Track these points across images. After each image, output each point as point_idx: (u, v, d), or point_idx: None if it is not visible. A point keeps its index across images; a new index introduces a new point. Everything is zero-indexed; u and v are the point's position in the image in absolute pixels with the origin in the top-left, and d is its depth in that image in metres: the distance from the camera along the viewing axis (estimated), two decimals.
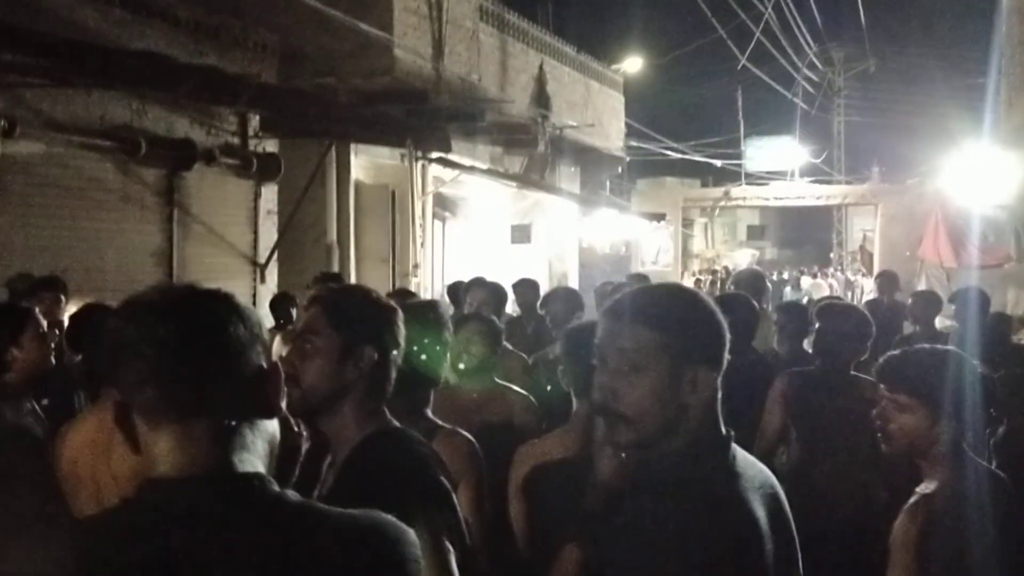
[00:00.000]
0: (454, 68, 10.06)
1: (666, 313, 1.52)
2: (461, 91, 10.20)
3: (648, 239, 19.19)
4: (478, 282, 4.92)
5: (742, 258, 33.10)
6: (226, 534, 1.03)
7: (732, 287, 6.05)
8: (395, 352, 1.81)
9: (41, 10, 6.05)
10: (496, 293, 4.61)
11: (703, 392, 1.48)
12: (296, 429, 1.41)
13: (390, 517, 1.13)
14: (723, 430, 1.53)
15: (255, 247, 8.34)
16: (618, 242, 18.46)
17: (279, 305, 6.18)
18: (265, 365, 1.12)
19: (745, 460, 1.54)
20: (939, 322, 8.94)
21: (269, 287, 8.20)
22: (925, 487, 2.08)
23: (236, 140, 8.07)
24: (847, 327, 3.44)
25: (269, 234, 8.50)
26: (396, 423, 1.82)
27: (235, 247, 8.08)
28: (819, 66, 25.64)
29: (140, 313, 1.09)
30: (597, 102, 15.74)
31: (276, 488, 1.09)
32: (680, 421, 1.48)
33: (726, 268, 23.43)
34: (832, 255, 29.43)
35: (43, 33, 5.74)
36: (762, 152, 23.54)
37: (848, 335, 3.43)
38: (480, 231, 13.56)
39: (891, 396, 2.16)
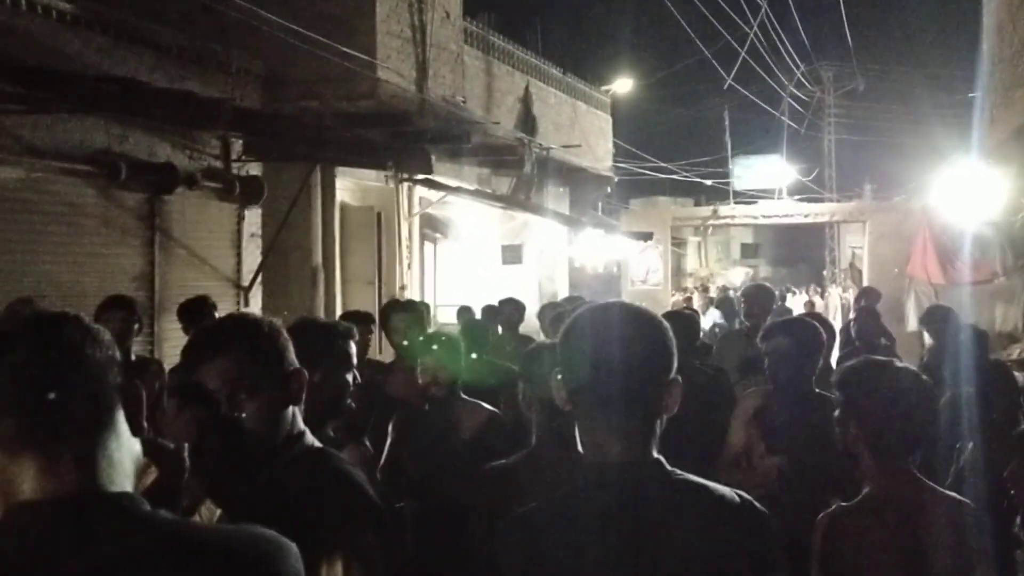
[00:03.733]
0: (438, 91, 10.13)
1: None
2: (446, 113, 10.26)
3: (638, 258, 19.22)
4: (398, 304, 5.06)
5: (736, 276, 33.16)
6: (94, 555, 1.03)
7: (741, 302, 6.10)
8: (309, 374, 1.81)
9: (22, 38, 6.11)
10: (416, 312, 4.79)
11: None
12: (173, 447, 1.41)
13: (270, 532, 1.13)
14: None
15: (239, 270, 8.35)
16: (610, 262, 18.48)
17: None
18: (123, 385, 1.12)
19: None
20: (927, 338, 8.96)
21: (253, 310, 8.20)
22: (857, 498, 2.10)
23: (219, 164, 8.10)
24: (788, 344, 3.41)
25: (253, 257, 8.51)
26: (317, 442, 1.82)
27: (218, 270, 8.09)
28: (807, 85, 25.81)
29: None
30: (584, 123, 15.83)
31: (147, 507, 1.08)
32: None
33: (699, 287, 23.44)
34: (825, 273, 29.51)
35: (22, 60, 5.78)
36: (750, 171, 23.65)
37: (788, 352, 3.38)
38: (471, 252, 13.59)
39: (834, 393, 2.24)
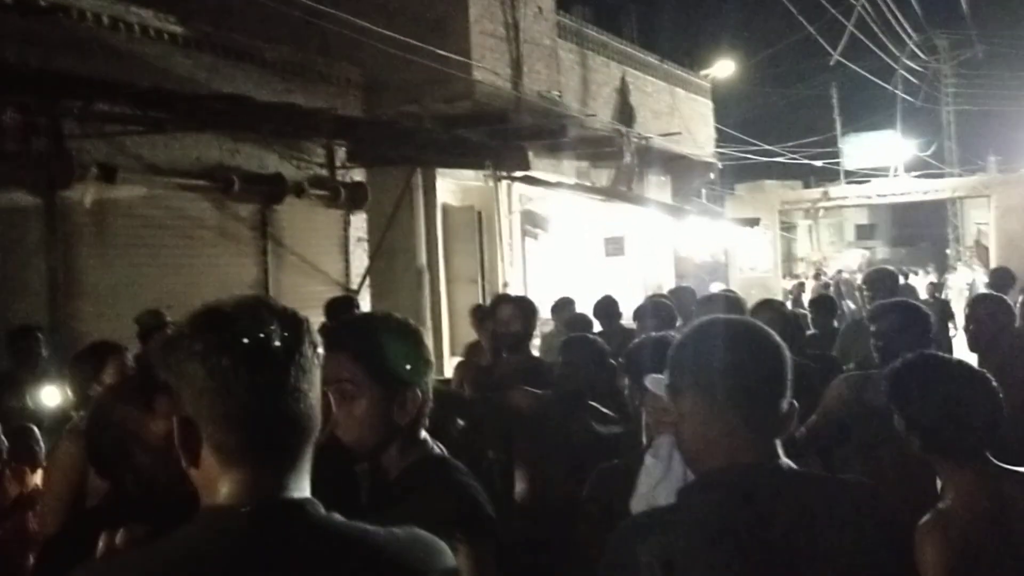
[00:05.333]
0: (534, 86, 10.15)
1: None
2: (542, 109, 10.27)
3: (746, 245, 18.72)
4: (504, 298, 4.90)
5: (851, 259, 31.81)
6: (281, 559, 1.09)
7: (865, 288, 5.73)
8: (430, 377, 1.79)
9: (137, 62, 6.46)
10: (524, 307, 4.54)
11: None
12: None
13: (426, 533, 1.21)
14: None
15: (347, 274, 8.60)
16: (716, 250, 18.09)
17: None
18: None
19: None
20: None
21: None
22: (943, 501, 1.96)
23: (324, 172, 8.37)
24: (887, 325, 3.28)
25: (360, 261, 8.75)
26: (437, 449, 1.80)
27: (327, 275, 8.35)
28: (922, 56, 24.52)
29: (240, 346, 1.09)
30: (684, 110, 15.54)
31: (323, 511, 1.14)
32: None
33: (813, 273, 22.48)
34: (948, 251, 28.02)
35: (139, 83, 6.13)
36: (861, 149, 22.67)
37: (890, 333, 3.25)
38: (573, 246, 13.55)
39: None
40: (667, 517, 1.55)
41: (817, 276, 21.53)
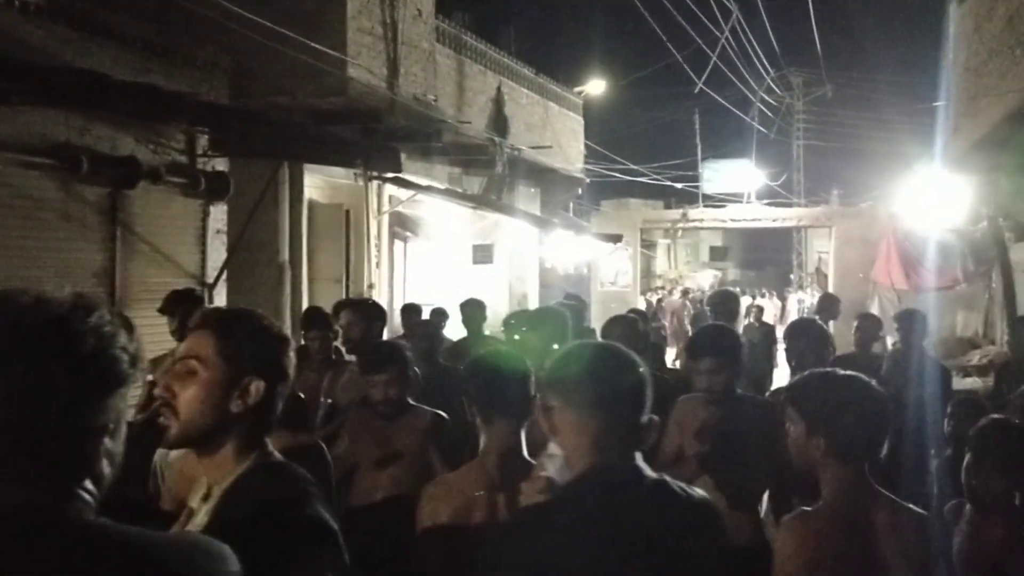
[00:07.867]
0: (410, 89, 10.07)
1: None
2: (416, 112, 10.21)
3: (608, 260, 19.28)
4: (347, 303, 4.98)
5: (704, 279, 33.39)
6: (29, 565, 1.00)
7: (707, 308, 6.07)
8: (283, 385, 1.73)
9: None
10: (366, 313, 4.57)
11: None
12: None
13: (208, 538, 1.13)
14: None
15: (203, 267, 8.22)
16: (580, 263, 18.52)
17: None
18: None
19: None
20: (888, 342, 9.04)
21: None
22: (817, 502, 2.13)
23: (184, 159, 7.97)
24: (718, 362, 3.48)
25: (218, 254, 8.38)
26: (278, 455, 1.73)
27: (182, 267, 7.96)
28: (777, 91, 26.08)
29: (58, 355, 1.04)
30: (556, 124, 15.84)
31: (89, 516, 1.06)
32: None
33: (665, 288, 23.48)
34: (792, 276, 29.84)
35: None
36: (720, 175, 23.85)
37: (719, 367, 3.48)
38: (441, 251, 13.54)
39: (787, 409, 2.25)
40: (537, 519, 1.70)
41: (685, 292, 22.40)
